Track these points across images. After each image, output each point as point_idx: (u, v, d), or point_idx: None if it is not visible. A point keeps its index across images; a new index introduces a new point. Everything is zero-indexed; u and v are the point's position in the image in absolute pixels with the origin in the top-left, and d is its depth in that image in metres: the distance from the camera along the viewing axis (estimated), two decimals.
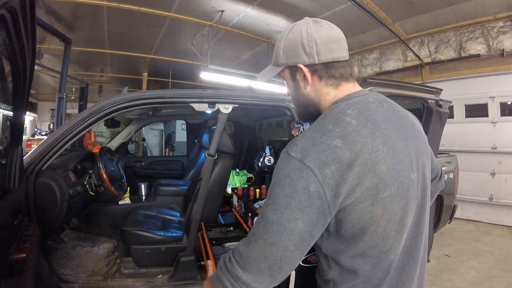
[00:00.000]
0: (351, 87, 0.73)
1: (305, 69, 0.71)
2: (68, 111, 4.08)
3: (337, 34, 0.72)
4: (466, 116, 4.78)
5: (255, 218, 1.47)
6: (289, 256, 0.63)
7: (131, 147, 3.96)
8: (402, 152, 0.65)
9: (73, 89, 7.02)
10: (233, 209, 1.90)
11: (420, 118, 1.91)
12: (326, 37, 0.70)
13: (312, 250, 1.04)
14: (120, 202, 2.59)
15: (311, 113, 0.76)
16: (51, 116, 9.18)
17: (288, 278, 1.07)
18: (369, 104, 0.68)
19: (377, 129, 0.64)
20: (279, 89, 6.97)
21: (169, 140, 10.81)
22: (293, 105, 0.83)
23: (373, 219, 0.60)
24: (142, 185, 2.81)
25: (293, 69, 0.74)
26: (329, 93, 0.73)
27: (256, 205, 1.79)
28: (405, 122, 0.72)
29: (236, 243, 0.77)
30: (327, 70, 0.71)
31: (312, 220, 0.60)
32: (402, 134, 0.68)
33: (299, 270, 1.06)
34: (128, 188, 2.74)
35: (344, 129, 0.62)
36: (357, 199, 0.59)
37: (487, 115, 4.55)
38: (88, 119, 1.64)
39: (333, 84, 0.72)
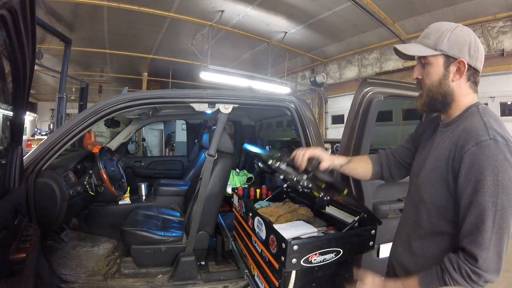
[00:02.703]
0: (476, 97, 0.85)
1: (466, 66, 0.79)
2: (68, 111, 4.08)
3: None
4: None
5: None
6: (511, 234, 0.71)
7: (131, 147, 3.95)
8: None
9: (73, 89, 7.02)
10: (233, 209, 1.89)
11: (420, 118, 1.92)
12: (482, 51, 0.82)
13: (313, 250, 1.05)
14: (120, 202, 2.59)
15: (445, 103, 0.84)
16: (51, 116, 9.20)
17: (287, 278, 1.06)
18: None
19: None
20: (279, 89, 6.98)
21: (169, 140, 10.80)
22: (425, 91, 0.86)
23: None
24: (142, 185, 2.80)
25: (450, 60, 0.81)
26: (469, 94, 0.83)
27: (256, 205, 1.78)
28: None
29: None
30: (475, 76, 0.82)
31: None
32: None
33: (300, 270, 1.06)
34: (128, 188, 2.74)
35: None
36: None
37: None
38: (88, 119, 1.64)
39: (473, 89, 0.84)
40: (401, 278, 0.86)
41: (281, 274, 1.10)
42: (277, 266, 1.14)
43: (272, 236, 1.19)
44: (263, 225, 1.30)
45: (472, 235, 0.71)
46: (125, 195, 2.62)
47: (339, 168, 1.11)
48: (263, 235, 1.29)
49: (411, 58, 0.88)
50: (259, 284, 1.39)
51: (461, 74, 0.80)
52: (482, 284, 0.70)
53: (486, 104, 4.43)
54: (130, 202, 2.63)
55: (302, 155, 1.09)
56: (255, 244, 1.42)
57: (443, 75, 0.82)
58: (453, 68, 0.81)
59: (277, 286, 1.13)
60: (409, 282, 0.80)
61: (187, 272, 1.84)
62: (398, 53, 0.89)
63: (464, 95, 0.83)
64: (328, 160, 1.09)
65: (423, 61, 0.84)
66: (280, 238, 1.10)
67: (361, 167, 1.12)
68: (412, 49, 0.85)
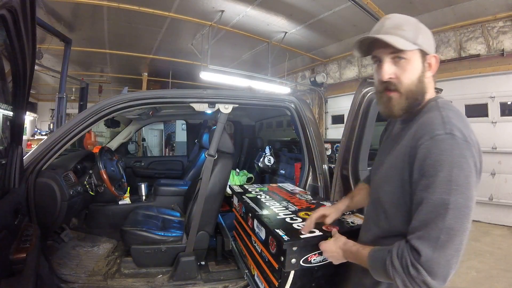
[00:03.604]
0: (434, 92, 0.82)
1: (439, 60, 0.78)
2: (68, 111, 4.08)
3: None
4: (466, 116, 4.77)
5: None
6: (466, 241, 0.65)
7: (131, 147, 3.95)
8: None
9: (73, 89, 7.02)
10: (233, 209, 1.89)
11: None
12: None
13: (312, 250, 1.05)
14: (120, 202, 2.59)
15: (419, 102, 0.79)
16: (51, 116, 9.20)
17: (286, 278, 1.06)
18: None
19: None
20: (279, 89, 6.98)
21: (169, 140, 10.82)
22: (403, 92, 0.77)
23: None
24: (142, 185, 2.80)
25: (423, 54, 0.77)
26: (431, 88, 0.80)
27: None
28: None
29: None
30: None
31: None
32: None
33: (299, 270, 1.06)
34: (128, 188, 2.74)
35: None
36: None
37: (487, 115, 4.55)
38: (88, 119, 1.64)
39: (434, 83, 0.81)
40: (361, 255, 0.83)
41: (280, 274, 1.10)
42: (276, 266, 1.14)
43: (271, 236, 1.19)
44: (263, 225, 1.30)
45: (419, 231, 0.66)
46: (125, 195, 2.62)
47: (346, 211, 1.14)
48: (262, 235, 1.29)
49: (367, 53, 0.84)
50: (259, 284, 1.39)
51: (433, 69, 0.78)
52: (419, 283, 0.63)
53: (486, 104, 4.48)
54: (130, 202, 2.63)
55: (309, 221, 1.09)
56: (255, 244, 1.41)
57: (421, 71, 0.77)
58: (426, 64, 0.77)
59: (277, 286, 1.13)
60: (363, 250, 0.81)
61: (187, 272, 1.84)
62: (362, 44, 0.82)
63: (429, 90, 0.79)
64: (334, 214, 1.09)
65: (400, 55, 0.75)
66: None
67: (364, 196, 1.08)
68: (397, 41, 0.73)
